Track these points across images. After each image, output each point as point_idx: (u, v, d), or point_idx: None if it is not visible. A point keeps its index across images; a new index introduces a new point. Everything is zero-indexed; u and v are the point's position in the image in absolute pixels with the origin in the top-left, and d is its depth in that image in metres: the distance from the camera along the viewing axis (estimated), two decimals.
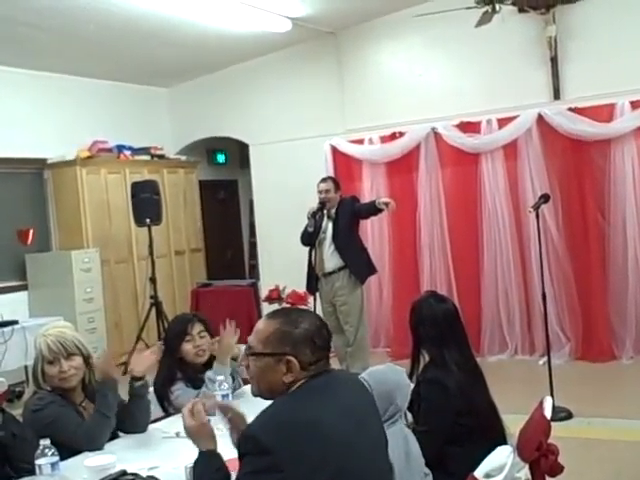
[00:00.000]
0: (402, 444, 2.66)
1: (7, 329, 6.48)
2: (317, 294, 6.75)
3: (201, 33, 7.73)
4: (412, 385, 2.97)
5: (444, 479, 2.88)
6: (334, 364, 2.27)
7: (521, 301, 7.53)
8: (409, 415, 2.98)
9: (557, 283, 7.29)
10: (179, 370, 3.63)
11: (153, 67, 8.82)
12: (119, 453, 2.83)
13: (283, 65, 8.91)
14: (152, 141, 9.21)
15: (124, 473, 2.53)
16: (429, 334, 3.23)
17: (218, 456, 2.30)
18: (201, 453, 2.30)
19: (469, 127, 7.71)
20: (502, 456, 2.44)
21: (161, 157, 9.31)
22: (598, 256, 7.21)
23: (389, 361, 3.89)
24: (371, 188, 8.25)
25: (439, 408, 3.07)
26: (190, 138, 9.90)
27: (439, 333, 3.20)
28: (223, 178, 11.04)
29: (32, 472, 2.62)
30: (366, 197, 7.79)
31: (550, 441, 2.61)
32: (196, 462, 2.29)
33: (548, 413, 2.68)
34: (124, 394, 3.25)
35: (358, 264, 6.74)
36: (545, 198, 5.90)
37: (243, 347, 2.69)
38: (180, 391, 3.54)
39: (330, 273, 6.68)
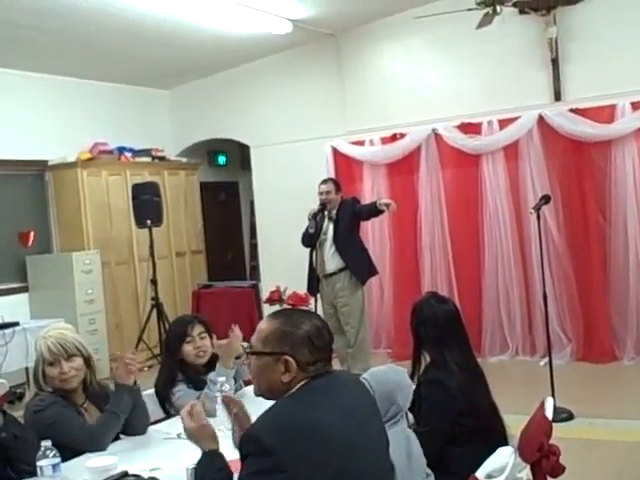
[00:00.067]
0: (404, 444, 2.66)
1: (8, 331, 6.48)
2: (318, 295, 6.76)
3: (202, 35, 7.74)
4: (413, 386, 2.97)
5: (445, 479, 2.88)
6: (335, 365, 2.28)
7: (522, 302, 7.53)
8: (410, 415, 2.97)
9: (558, 284, 7.29)
10: (180, 371, 3.63)
11: (154, 69, 8.83)
12: (120, 454, 2.84)
13: (284, 67, 8.92)
14: (153, 143, 9.21)
15: (125, 474, 2.53)
16: (430, 335, 3.23)
17: (220, 456, 2.31)
18: (204, 454, 2.31)
19: (470, 128, 7.72)
20: (503, 457, 2.44)
21: (162, 159, 9.31)
22: (599, 257, 7.21)
23: (390, 362, 3.89)
24: (372, 189, 8.25)
25: (440, 408, 3.08)
26: (191, 140, 9.91)
27: (440, 334, 3.20)
28: (224, 180, 11.05)
29: (33, 473, 2.62)
30: (367, 198, 7.80)
31: (551, 442, 2.61)
32: (199, 462, 2.30)
33: (549, 414, 2.68)
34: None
35: (359, 265, 6.74)
36: (546, 199, 5.90)
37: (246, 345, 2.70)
38: (181, 392, 3.54)
39: (331, 274, 6.69)
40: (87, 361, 3.16)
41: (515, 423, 3.05)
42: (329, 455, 2.01)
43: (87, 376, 3.19)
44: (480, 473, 2.34)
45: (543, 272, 5.89)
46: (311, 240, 6.65)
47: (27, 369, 6.58)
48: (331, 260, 6.67)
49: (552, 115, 7.26)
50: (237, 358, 3.63)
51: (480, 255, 7.72)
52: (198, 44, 8.01)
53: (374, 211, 6.55)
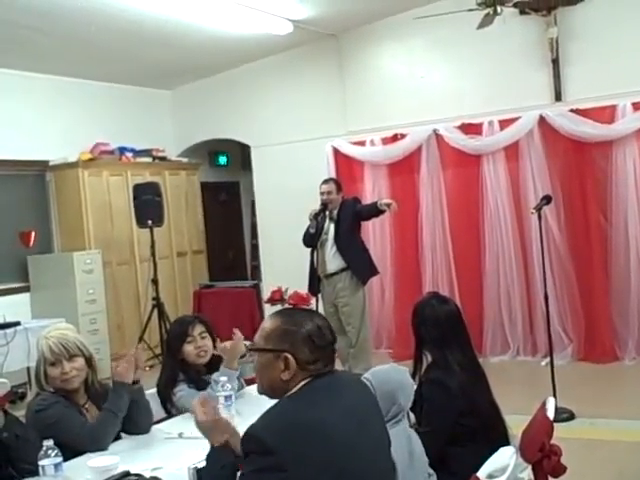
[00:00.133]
0: (405, 444, 2.66)
1: (9, 330, 6.48)
2: (319, 295, 6.76)
3: (203, 35, 7.74)
4: (415, 386, 2.97)
5: (446, 479, 2.88)
6: (336, 365, 2.28)
7: (523, 302, 7.53)
8: (412, 415, 2.98)
9: (559, 284, 7.30)
10: (181, 371, 3.64)
11: (155, 69, 8.83)
12: (122, 454, 2.84)
13: (285, 67, 8.92)
14: (154, 143, 9.21)
15: (127, 474, 2.53)
16: (431, 335, 3.24)
17: (228, 451, 2.32)
18: (212, 448, 2.33)
19: (471, 129, 7.72)
20: (505, 457, 2.44)
21: (163, 159, 9.32)
22: (600, 257, 7.21)
23: (391, 362, 3.90)
24: (373, 190, 8.26)
25: (441, 408, 3.08)
26: (192, 140, 9.91)
27: (441, 334, 3.20)
28: (225, 180, 11.05)
29: (35, 473, 2.62)
30: (368, 199, 7.80)
31: (553, 442, 2.61)
32: (207, 456, 2.32)
33: (551, 414, 2.68)
34: None
35: (360, 265, 6.75)
36: (547, 199, 5.90)
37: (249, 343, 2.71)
38: (183, 392, 3.54)
39: (332, 274, 6.69)
40: (89, 361, 3.16)
41: (516, 423, 3.06)
42: (330, 455, 2.01)
43: (89, 376, 3.18)
44: (481, 473, 2.34)
45: (544, 272, 5.89)
46: (312, 240, 6.65)
47: (28, 369, 6.58)
48: (332, 260, 6.68)
49: (553, 115, 7.26)
50: (241, 357, 3.64)
51: (481, 255, 7.72)
52: (199, 44, 8.02)
53: (375, 211, 6.56)
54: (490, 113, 7.60)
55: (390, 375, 2.78)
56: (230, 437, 2.36)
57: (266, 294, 8.01)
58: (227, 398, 3.22)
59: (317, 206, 6.72)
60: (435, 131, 7.88)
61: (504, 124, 7.54)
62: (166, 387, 3.61)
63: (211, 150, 10.61)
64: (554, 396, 4.92)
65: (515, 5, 6.88)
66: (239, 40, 8.09)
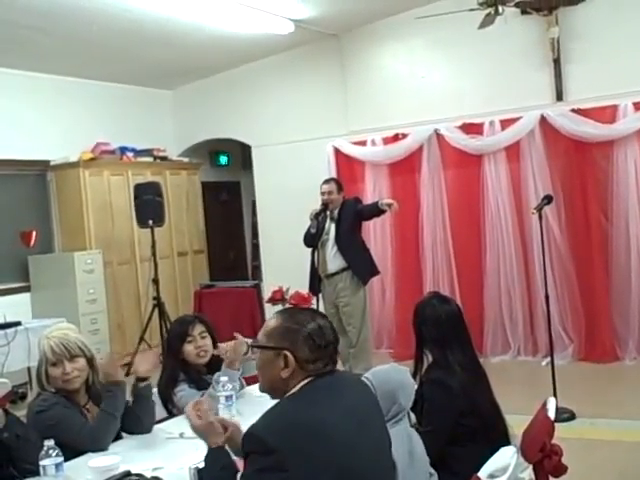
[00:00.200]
0: (406, 443, 2.66)
1: (10, 330, 6.47)
2: (320, 295, 6.76)
3: (204, 35, 7.74)
4: (416, 385, 2.97)
5: (447, 479, 2.88)
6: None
7: (524, 302, 7.53)
8: (412, 415, 2.98)
9: (560, 284, 7.30)
10: (182, 371, 3.64)
11: (156, 69, 8.83)
12: (123, 454, 2.83)
13: (286, 67, 8.93)
14: (155, 143, 9.22)
15: (128, 474, 2.53)
16: (432, 335, 3.24)
17: (226, 453, 2.33)
18: (210, 450, 2.34)
19: (472, 128, 7.72)
20: (506, 457, 2.44)
21: (164, 159, 9.32)
22: (601, 257, 7.21)
23: (392, 362, 3.90)
24: (374, 189, 8.26)
25: (442, 408, 3.08)
26: (193, 140, 9.92)
27: (442, 334, 3.20)
28: (225, 180, 11.06)
29: (36, 473, 2.62)
30: (369, 199, 7.79)
31: (553, 442, 2.61)
32: (205, 458, 2.33)
33: (552, 414, 2.68)
34: (128, 395, 3.26)
35: (361, 265, 6.75)
36: (548, 199, 5.89)
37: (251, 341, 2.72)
38: (183, 392, 3.54)
39: (333, 274, 6.69)
40: (90, 361, 3.16)
41: (517, 423, 3.05)
42: (331, 454, 2.02)
43: (89, 377, 3.18)
44: (482, 473, 2.34)
45: (545, 272, 5.88)
46: (313, 240, 6.65)
47: (29, 369, 6.59)
48: (333, 260, 6.68)
49: (554, 115, 7.26)
50: (244, 354, 3.64)
51: (482, 255, 7.72)
52: (200, 44, 8.02)
53: (376, 211, 6.56)
54: (491, 113, 7.59)
55: (390, 375, 2.78)
56: (234, 435, 2.37)
57: (267, 294, 8.01)
58: (228, 398, 3.22)
59: (318, 206, 6.72)
60: (436, 131, 7.88)
61: (505, 124, 7.54)
62: (167, 387, 3.61)
63: (212, 150, 10.62)
64: (555, 396, 4.92)
65: (516, 5, 6.86)
66: (240, 40, 8.10)
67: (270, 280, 8.59)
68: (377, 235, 8.21)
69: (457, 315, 3.29)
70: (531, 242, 7.37)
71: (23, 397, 6.63)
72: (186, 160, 9.76)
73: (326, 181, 6.93)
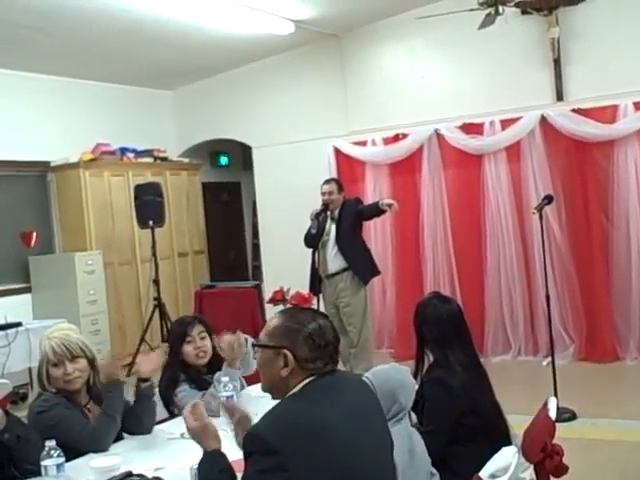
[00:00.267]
0: (406, 442, 2.66)
1: (11, 331, 6.47)
2: (320, 295, 6.76)
3: (204, 35, 7.74)
4: (416, 385, 2.97)
5: (448, 479, 2.88)
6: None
7: (524, 302, 7.53)
8: (413, 415, 2.98)
9: (560, 284, 7.30)
10: (182, 372, 3.64)
11: (156, 70, 8.84)
12: (124, 454, 2.84)
13: (286, 67, 8.93)
14: (155, 143, 9.22)
15: (129, 474, 2.53)
16: (433, 335, 3.23)
17: (223, 456, 2.32)
18: (205, 453, 2.33)
19: (472, 129, 7.72)
20: (507, 456, 2.44)
21: (164, 159, 9.33)
22: (601, 257, 7.21)
23: (392, 362, 3.91)
24: (374, 190, 8.26)
25: (442, 408, 3.08)
26: (193, 140, 9.92)
27: (443, 334, 3.20)
28: (226, 180, 11.06)
29: (38, 473, 2.62)
30: (369, 199, 7.79)
31: (555, 442, 2.61)
32: (201, 462, 2.31)
33: (553, 414, 2.68)
34: (130, 395, 3.26)
35: (361, 265, 6.74)
36: (548, 199, 5.89)
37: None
38: (184, 392, 3.54)
39: (333, 274, 6.69)
40: (91, 362, 3.16)
41: (518, 423, 3.05)
42: (332, 454, 2.02)
43: (90, 377, 3.18)
44: (484, 473, 2.34)
45: (546, 272, 5.88)
46: (313, 240, 6.65)
47: (30, 369, 6.58)
48: (333, 260, 6.68)
49: (554, 115, 7.26)
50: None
51: (482, 255, 7.72)
52: (200, 45, 8.02)
53: (376, 211, 6.55)
54: (491, 113, 7.60)
55: (390, 374, 2.78)
56: (239, 418, 2.42)
57: (267, 294, 8.02)
58: (229, 398, 3.22)
59: (318, 206, 6.71)
60: (436, 131, 7.88)
61: (505, 124, 7.54)
62: (167, 388, 3.61)
63: (212, 150, 10.62)
64: (555, 396, 4.92)
65: (516, 5, 6.86)
66: (240, 40, 8.10)
67: (271, 280, 8.60)
68: (378, 235, 8.21)
69: (458, 315, 3.28)
70: (532, 242, 7.37)
71: (24, 398, 6.63)
72: (186, 161, 9.77)
73: (327, 181, 6.92)
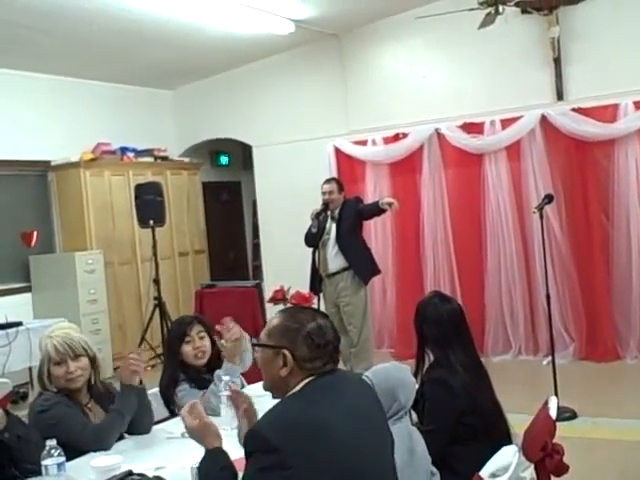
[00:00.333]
0: (406, 441, 2.66)
1: (11, 330, 6.48)
2: (321, 295, 6.76)
3: (204, 35, 7.75)
4: (417, 385, 2.97)
5: (449, 478, 2.88)
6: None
7: (525, 301, 7.53)
8: (414, 415, 2.98)
9: (561, 283, 7.30)
10: (182, 372, 3.63)
11: (156, 69, 8.84)
12: (125, 453, 2.84)
13: (286, 67, 8.93)
14: (155, 143, 9.22)
15: (130, 473, 2.53)
16: (433, 334, 3.23)
17: (224, 454, 2.32)
18: (207, 451, 2.32)
19: (472, 128, 7.72)
20: (507, 456, 2.44)
21: (164, 159, 9.33)
22: (602, 256, 7.21)
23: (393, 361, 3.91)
24: (374, 189, 8.26)
25: (443, 407, 3.08)
26: (193, 140, 9.93)
27: (443, 333, 3.20)
28: (226, 180, 11.06)
29: (38, 473, 2.62)
30: (369, 198, 7.79)
31: (555, 441, 2.61)
32: (202, 460, 2.31)
33: (553, 413, 2.68)
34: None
35: (362, 265, 6.75)
36: (549, 198, 5.89)
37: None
38: (184, 392, 3.54)
39: (334, 274, 6.70)
40: (92, 361, 3.16)
41: (518, 422, 3.06)
42: (332, 454, 2.03)
43: (91, 376, 3.18)
44: (484, 472, 2.34)
45: (546, 271, 5.88)
46: (314, 240, 6.66)
47: (30, 369, 6.59)
48: (334, 260, 6.68)
49: (554, 114, 7.26)
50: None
51: (483, 255, 7.72)
52: (200, 44, 8.02)
53: (377, 210, 6.56)
54: (492, 112, 7.60)
55: (390, 373, 2.78)
56: (246, 408, 2.42)
57: (268, 294, 8.02)
58: (230, 398, 3.21)
59: (319, 206, 6.72)
60: (437, 130, 7.88)
61: (506, 123, 7.54)
62: (167, 388, 3.61)
63: (212, 150, 10.62)
64: (556, 395, 4.92)
65: (517, 4, 6.86)
66: (241, 40, 8.10)
67: (271, 280, 8.60)
68: (378, 234, 8.21)
69: (459, 314, 3.28)
70: (532, 241, 7.37)
71: (24, 397, 6.64)
72: (187, 160, 9.77)
73: (327, 181, 6.93)
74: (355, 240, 6.76)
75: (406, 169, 8.11)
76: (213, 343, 3.71)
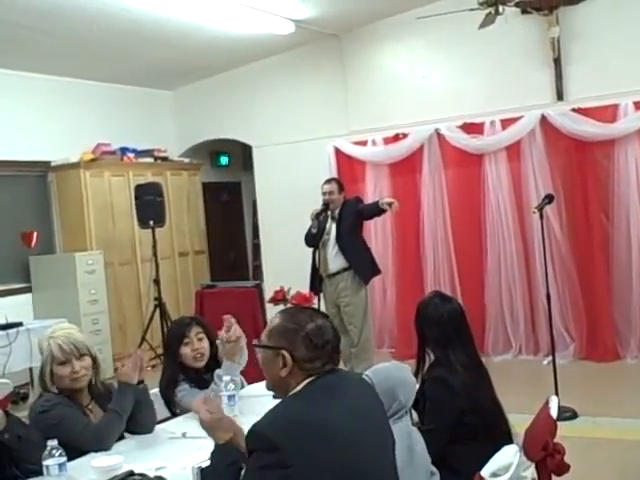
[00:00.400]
0: (406, 441, 2.66)
1: (12, 331, 6.48)
2: (321, 295, 6.76)
3: (204, 35, 7.75)
4: (417, 384, 2.97)
5: (449, 478, 2.89)
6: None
7: (525, 301, 7.54)
8: (414, 414, 2.98)
9: (561, 283, 7.30)
10: (181, 373, 3.63)
11: (156, 70, 8.84)
12: (126, 454, 2.84)
13: (286, 67, 8.93)
14: (155, 143, 9.22)
15: (131, 473, 2.53)
16: (434, 334, 3.24)
17: (233, 449, 2.32)
18: (217, 446, 2.34)
19: (472, 128, 7.72)
20: (508, 455, 2.44)
21: (164, 159, 9.33)
22: (602, 256, 7.21)
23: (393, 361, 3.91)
24: (374, 189, 8.26)
25: (443, 406, 3.08)
26: (193, 140, 9.93)
27: (444, 333, 3.20)
28: (226, 180, 11.06)
29: (39, 473, 2.63)
30: (369, 198, 7.79)
31: (556, 440, 2.62)
32: (212, 454, 2.33)
33: (554, 413, 2.68)
34: None
35: (362, 265, 6.75)
36: (549, 199, 5.89)
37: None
38: (184, 392, 3.54)
39: (334, 274, 6.70)
40: (93, 361, 3.16)
41: (519, 422, 3.06)
42: (332, 453, 2.04)
43: (92, 376, 3.18)
44: (485, 471, 2.35)
45: (546, 271, 5.88)
46: (314, 240, 6.65)
47: (31, 369, 6.59)
48: (334, 260, 6.68)
49: (554, 115, 7.26)
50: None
51: (483, 255, 7.72)
52: (201, 45, 8.02)
53: (377, 210, 6.55)
54: (492, 113, 7.60)
55: (390, 372, 2.79)
56: (235, 435, 2.37)
57: (268, 294, 8.02)
58: (230, 398, 3.22)
59: (319, 206, 6.72)
60: (437, 131, 7.88)
61: (506, 123, 7.54)
62: (167, 388, 3.61)
63: (212, 150, 10.62)
64: (556, 395, 4.92)
65: (517, 5, 6.86)
66: (241, 40, 8.10)
67: (271, 280, 8.60)
68: (378, 235, 8.21)
69: (459, 314, 3.29)
70: (532, 241, 7.38)
71: (25, 398, 6.64)
72: (187, 161, 9.77)
73: (327, 181, 6.93)
74: (355, 240, 6.76)
75: (406, 169, 8.11)
76: (212, 344, 3.70)
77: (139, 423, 3.20)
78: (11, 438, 2.75)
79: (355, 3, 7.62)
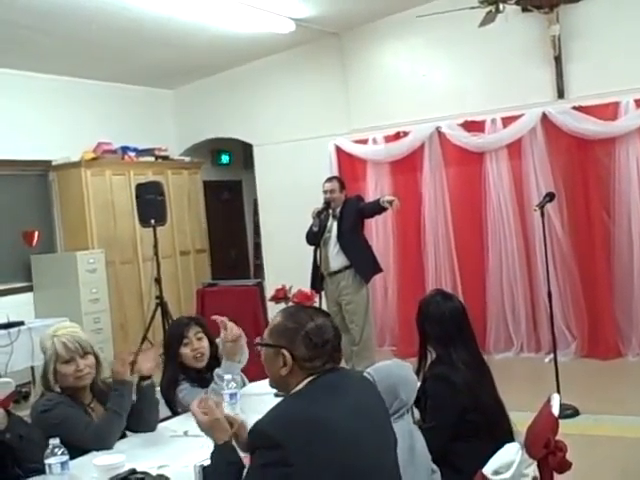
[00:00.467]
0: (407, 439, 2.66)
1: (13, 330, 6.48)
2: (322, 293, 6.76)
3: (205, 34, 7.74)
4: (419, 382, 2.97)
5: (451, 475, 2.89)
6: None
7: (526, 299, 7.54)
8: (416, 412, 2.98)
9: (562, 281, 7.30)
10: (182, 373, 3.64)
11: (157, 69, 8.83)
12: (128, 452, 2.85)
13: (287, 66, 8.93)
14: (156, 142, 9.22)
15: (133, 472, 2.54)
16: (436, 332, 3.24)
17: (233, 449, 2.33)
18: (216, 446, 2.33)
19: (473, 126, 7.72)
20: (510, 453, 2.44)
21: (165, 158, 9.33)
22: (603, 254, 7.21)
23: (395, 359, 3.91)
24: (375, 188, 8.26)
25: (445, 404, 3.08)
26: (194, 139, 9.92)
27: (446, 331, 3.21)
28: (227, 179, 11.06)
29: (41, 472, 2.63)
30: (370, 197, 7.78)
31: (558, 438, 2.62)
32: (211, 455, 2.32)
33: (556, 410, 2.68)
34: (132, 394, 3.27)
35: (363, 263, 6.75)
36: (550, 197, 5.90)
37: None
38: (185, 391, 3.55)
39: (335, 272, 6.70)
40: (96, 360, 3.17)
41: (520, 420, 3.06)
42: (334, 452, 2.04)
43: (94, 375, 3.19)
44: (487, 469, 2.34)
45: (547, 269, 5.89)
46: (315, 238, 6.66)
47: (32, 368, 6.59)
48: (335, 258, 6.69)
49: (555, 113, 7.26)
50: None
51: (484, 253, 7.73)
52: (201, 43, 8.02)
53: (378, 209, 6.56)
54: (493, 111, 7.60)
55: (392, 370, 2.79)
56: (239, 428, 2.39)
57: (269, 292, 8.01)
58: (232, 396, 3.22)
59: (320, 204, 6.72)
60: (438, 129, 7.88)
61: (507, 121, 7.54)
62: (168, 388, 3.62)
63: (213, 149, 10.62)
64: (558, 392, 4.91)
65: (517, 3, 6.87)
66: (241, 39, 8.09)
67: (272, 278, 8.61)
68: (379, 233, 8.21)
69: (461, 312, 3.29)
70: (533, 239, 7.38)
71: (26, 397, 6.64)
72: (188, 159, 9.76)
73: (328, 179, 6.94)
74: (356, 238, 6.77)
75: (407, 167, 8.11)
76: (211, 343, 3.70)
77: (143, 420, 3.20)
78: (13, 437, 2.75)
79: (355, 2, 7.62)
